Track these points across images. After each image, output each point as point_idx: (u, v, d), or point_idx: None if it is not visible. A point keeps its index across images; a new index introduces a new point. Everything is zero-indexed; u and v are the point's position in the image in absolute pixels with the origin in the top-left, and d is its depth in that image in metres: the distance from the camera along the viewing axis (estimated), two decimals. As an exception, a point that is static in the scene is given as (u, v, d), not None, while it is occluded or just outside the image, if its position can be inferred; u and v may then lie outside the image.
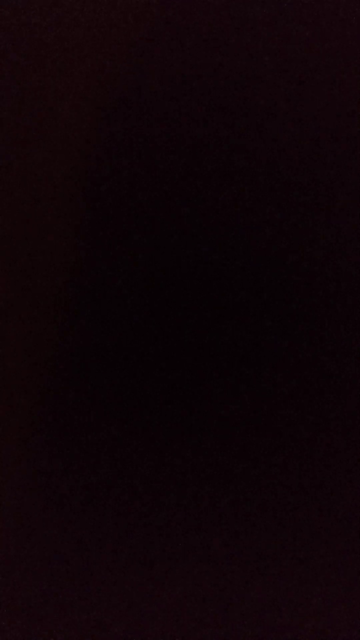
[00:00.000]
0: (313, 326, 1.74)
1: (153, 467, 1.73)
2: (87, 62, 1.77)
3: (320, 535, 1.71)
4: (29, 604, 1.73)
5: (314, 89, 1.75)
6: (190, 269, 1.74)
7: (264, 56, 1.75)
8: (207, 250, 1.74)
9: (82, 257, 1.75)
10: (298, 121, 1.75)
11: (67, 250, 1.76)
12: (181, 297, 1.74)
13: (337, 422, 1.73)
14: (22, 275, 1.76)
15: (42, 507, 1.73)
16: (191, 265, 1.74)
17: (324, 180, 1.75)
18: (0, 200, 1.77)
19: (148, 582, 1.72)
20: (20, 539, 1.74)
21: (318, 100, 1.75)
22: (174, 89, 1.76)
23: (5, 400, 1.75)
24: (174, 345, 1.74)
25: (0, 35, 1.78)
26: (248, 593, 1.71)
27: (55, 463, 1.74)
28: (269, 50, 1.75)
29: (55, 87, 1.76)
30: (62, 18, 1.77)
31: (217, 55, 1.76)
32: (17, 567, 1.74)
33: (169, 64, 1.76)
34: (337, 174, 1.75)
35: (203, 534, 1.72)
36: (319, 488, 1.72)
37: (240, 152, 1.75)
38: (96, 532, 1.73)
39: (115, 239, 1.75)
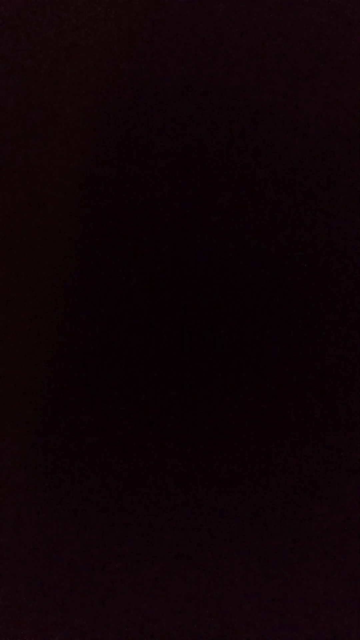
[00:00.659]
0: (313, 326, 1.74)
1: (153, 467, 1.73)
2: (87, 62, 1.77)
3: (320, 535, 1.72)
4: (29, 604, 1.73)
5: (314, 89, 1.75)
6: (190, 268, 1.74)
7: (264, 56, 1.75)
8: (207, 250, 1.74)
9: (82, 257, 1.75)
10: (298, 121, 1.75)
11: (67, 250, 1.76)
12: (181, 296, 1.74)
13: (337, 422, 1.73)
14: (22, 275, 1.76)
15: (42, 507, 1.73)
16: (191, 264, 1.74)
17: (324, 181, 1.75)
18: (1, 201, 1.77)
19: (148, 582, 1.72)
20: (20, 539, 1.74)
21: (318, 100, 1.75)
22: (174, 88, 1.76)
23: (5, 400, 1.75)
24: (174, 345, 1.74)
25: (0, 35, 1.78)
26: (248, 593, 1.71)
27: (56, 463, 1.74)
28: (269, 50, 1.75)
29: (55, 88, 1.76)
30: (62, 18, 1.77)
31: (217, 55, 1.75)
32: (17, 567, 1.74)
33: (169, 64, 1.76)
34: (337, 174, 1.75)
35: (203, 534, 1.72)
36: (319, 488, 1.72)
37: (240, 152, 1.75)
38: (96, 533, 1.73)
39: (115, 238, 1.75)
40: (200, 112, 1.75)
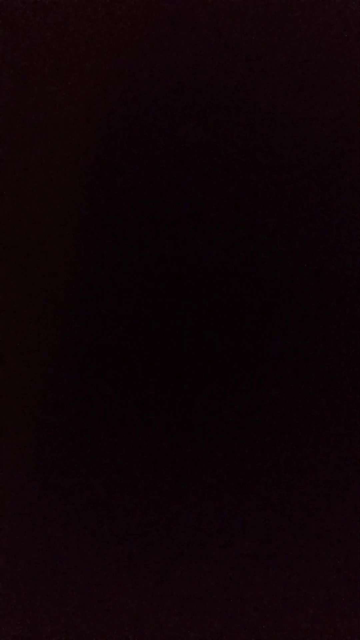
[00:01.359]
0: (313, 326, 1.74)
1: (153, 467, 1.73)
2: (87, 62, 1.77)
3: (320, 536, 1.71)
4: (29, 604, 1.73)
5: (314, 90, 1.75)
6: (190, 267, 1.74)
7: (264, 57, 1.75)
8: (207, 251, 1.74)
9: (82, 257, 1.75)
10: (298, 121, 1.75)
11: (67, 250, 1.75)
12: (181, 296, 1.74)
13: (337, 422, 1.73)
14: (22, 275, 1.76)
15: (43, 507, 1.73)
16: (191, 263, 1.74)
17: (324, 180, 1.75)
18: (1, 201, 1.77)
19: (148, 582, 1.72)
20: (20, 540, 1.74)
21: (318, 100, 1.75)
22: (174, 88, 1.75)
23: (5, 400, 1.75)
24: (174, 345, 1.74)
25: (0, 35, 1.78)
26: (248, 593, 1.71)
27: (56, 463, 1.74)
28: (269, 51, 1.75)
29: (55, 88, 1.76)
30: (62, 18, 1.77)
31: (217, 55, 1.75)
32: (17, 567, 1.73)
33: (169, 64, 1.76)
34: (337, 174, 1.75)
35: (203, 535, 1.72)
36: (319, 488, 1.72)
37: (240, 152, 1.75)
38: (96, 533, 1.73)
39: (115, 238, 1.75)
40: (200, 112, 1.75)
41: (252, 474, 1.72)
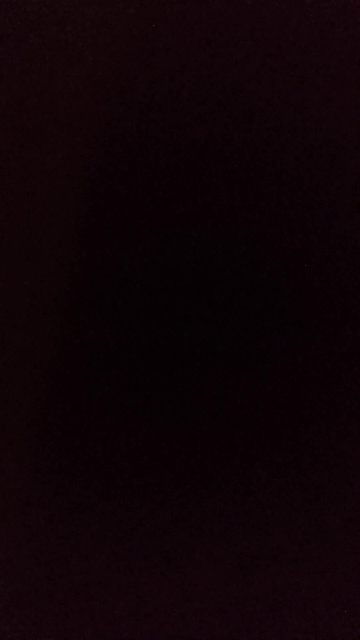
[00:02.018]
0: (313, 326, 1.74)
1: (153, 467, 1.73)
2: (87, 62, 1.77)
3: (320, 536, 1.71)
4: (29, 604, 1.73)
5: (313, 89, 1.75)
6: (190, 267, 1.74)
7: (263, 57, 1.75)
8: (207, 251, 1.74)
9: (82, 257, 1.75)
10: (298, 120, 1.75)
11: (67, 250, 1.75)
12: (181, 296, 1.74)
13: (337, 422, 1.73)
14: (22, 275, 1.76)
15: (43, 507, 1.73)
16: (191, 263, 1.74)
17: (324, 180, 1.75)
18: (1, 201, 1.76)
19: (148, 582, 1.72)
20: (20, 540, 1.74)
21: (318, 100, 1.75)
22: (174, 87, 1.75)
23: (5, 400, 1.75)
24: (174, 345, 1.74)
25: (0, 36, 1.78)
26: (248, 593, 1.71)
27: (56, 463, 1.73)
28: (269, 51, 1.75)
29: (55, 87, 1.76)
30: (62, 18, 1.77)
31: (217, 55, 1.75)
32: (17, 567, 1.73)
33: (169, 64, 1.75)
34: (337, 174, 1.75)
35: (203, 535, 1.72)
36: (319, 488, 1.72)
37: (240, 152, 1.75)
38: (96, 533, 1.73)
39: (115, 238, 1.75)
40: (200, 112, 1.75)
41: (252, 474, 1.72)
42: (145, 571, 1.71)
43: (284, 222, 1.74)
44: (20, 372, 1.75)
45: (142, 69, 1.76)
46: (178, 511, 1.72)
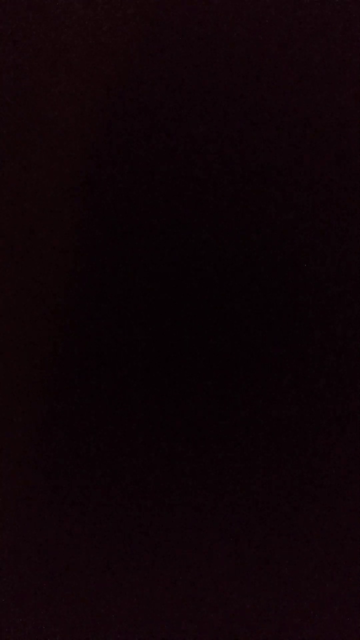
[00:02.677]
0: (313, 327, 1.74)
1: (153, 467, 1.73)
2: (87, 62, 1.77)
3: (320, 536, 1.71)
4: (29, 604, 1.73)
5: (313, 89, 1.75)
6: (190, 267, 1.74)
7: (263, 57, 1.75)
8: (207, 251, 1.74)
9: (82, 258, 1.75)
10: (298, 120, 1.75)
11: (67, 251, 1.76)
12: (181, 296, 1.74)
13: (337, 422, 1.73)
14: (22, 275, 1.76)
15: (43, 507, 1.73)
16: (191, 262, 1.74)
17: (324, 180, 1.75)
18: (1, 201, 1.77)
19: (148, 582, 1.72)
20: (20, 539, 1.74)
21: (318, 100, 1.75)
22: (173, 87, 1.76)
23: (5, 399, 1.75)
24: (174, 345, 1.74)
25: (0, 36, 1.78)
26: (248, 593, 1.71)
27: (56, 463, 1.74)
28: (269, 51, 1.75)
29: (55, 88, 1.76)
30: (62, 18, 1.78)
31: (217, 55, 1.76)
32: (17, 567, 1.74)
33: (169, 63, 1.76)
34: (337, 174, 1.75)
35: (203, 535, 1.72)
36: (319, 488, 1.72)
37: (240, 152, 1.75)
38: (96, 533, 1.73)
39: (115, 239, 1.75)
40: (200, 112, 1.75)
41: (252, 474, 1.72)
42: (146, 571, 1.71)
43: (285, 222, 1.74)
44: (20, 371, 1.75)
45: (142, 69, 1.76)
46: (179, 511, 1.72)
